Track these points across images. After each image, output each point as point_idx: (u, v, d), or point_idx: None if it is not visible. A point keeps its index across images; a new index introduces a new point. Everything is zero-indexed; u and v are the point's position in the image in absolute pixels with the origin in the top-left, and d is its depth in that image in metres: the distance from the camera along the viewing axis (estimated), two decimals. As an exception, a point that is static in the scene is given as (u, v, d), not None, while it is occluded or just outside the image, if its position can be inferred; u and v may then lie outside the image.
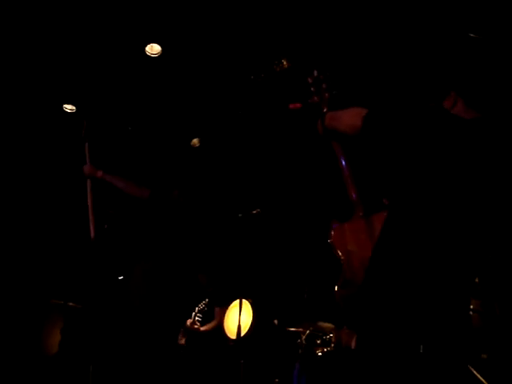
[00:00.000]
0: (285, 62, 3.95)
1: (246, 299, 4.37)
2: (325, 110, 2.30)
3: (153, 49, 4.05)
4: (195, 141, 4.14)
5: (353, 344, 3.33)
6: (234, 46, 3.94)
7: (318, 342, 3.70)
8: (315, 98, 2.39)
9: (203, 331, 4.48)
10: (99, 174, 3.49)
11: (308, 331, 3.74)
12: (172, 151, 4.01)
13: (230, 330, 4.41)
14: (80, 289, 4.41)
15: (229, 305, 4.52)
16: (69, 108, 4.61)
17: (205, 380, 4.26)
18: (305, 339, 3.75)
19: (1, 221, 4.72)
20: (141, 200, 3.32)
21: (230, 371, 4.11)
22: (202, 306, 4.53)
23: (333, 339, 3.65)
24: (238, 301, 3.81)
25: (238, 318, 3.50)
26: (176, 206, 3.34)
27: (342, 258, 2.39)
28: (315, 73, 2.44)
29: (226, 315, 4.51)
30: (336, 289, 2.35)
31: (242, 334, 3.98)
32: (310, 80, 2.44)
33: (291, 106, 2.55)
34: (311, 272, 4.34)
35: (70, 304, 4.53)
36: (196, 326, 4.44)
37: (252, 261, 4.01)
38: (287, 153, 4.59)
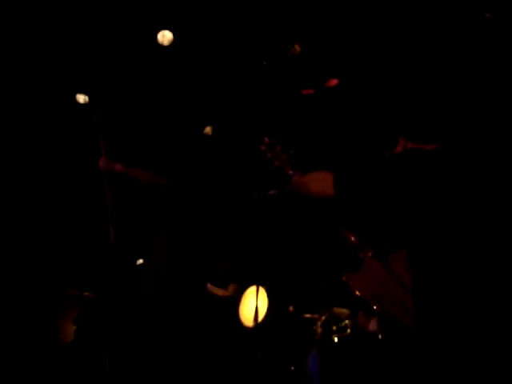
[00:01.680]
0: (297, 47, 3.92)
1: (261, 285, 4.37)
2: (290, 173, 2.25)
3: (164, 37, 4.04)
4: (208, 129, 4.14)
5: (369, 328, 3.32)
6: (245, 32, 3.93)
7: (334, 328, 3.70)
8: (275, 162, 2.34)
9: (221, 296, 4.45)
10: (118, 167, 3.23)
11: (324, 317, 3.74)
12: (185, 140, 4.00)
13: (246, 317, 4.41)
14: (96, 277, 4.44)
15: (244, 291, 4.52)
16: (82, 98, 4.59)
17: (221, 366, 4.28)
18: (321, 325, 3.75)
19: (16, 212, 4.75)
20: (161, 189, 3.22)
21: (246, 358, 4.12)
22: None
23: (349, 325, 3.66)
24: (253, 287, 3.80)
25: (255, 304, 3.50)
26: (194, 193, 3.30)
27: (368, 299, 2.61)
28: (266, 139, 2.40)
29: (242, 302, 4.51)
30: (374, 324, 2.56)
31: (258, 321, 3.98)
32: (263, 148, 2.39)
33: (304, 91, 2.54)
34: (327, 258, 4.33)
35: (86, 294, 4.56)
36: (215, 290, 4.41)
37: (267, 246, 4.00)
38: (300, 138, 4.57)
